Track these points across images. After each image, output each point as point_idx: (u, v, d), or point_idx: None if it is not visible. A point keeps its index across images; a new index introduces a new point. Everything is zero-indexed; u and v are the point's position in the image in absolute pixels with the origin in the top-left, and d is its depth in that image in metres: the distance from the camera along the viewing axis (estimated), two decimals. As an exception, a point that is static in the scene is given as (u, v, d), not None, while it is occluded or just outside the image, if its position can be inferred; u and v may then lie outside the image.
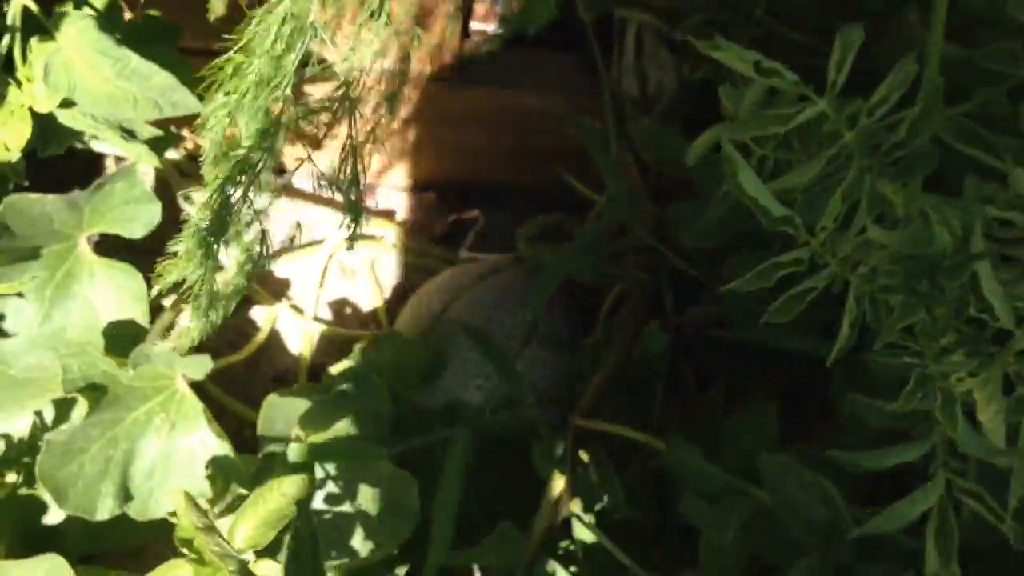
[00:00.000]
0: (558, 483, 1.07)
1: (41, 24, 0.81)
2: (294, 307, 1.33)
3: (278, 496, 0.92)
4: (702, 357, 1.19)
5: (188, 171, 1.29)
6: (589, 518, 1.06)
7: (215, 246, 0.77)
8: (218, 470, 1.05)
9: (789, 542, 0.89)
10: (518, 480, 1.11)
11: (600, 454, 1.09)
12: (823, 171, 0.69)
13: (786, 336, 1.01)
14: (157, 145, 0.91)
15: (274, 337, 1.33)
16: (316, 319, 1.32)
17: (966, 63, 0.82)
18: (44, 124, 0.84)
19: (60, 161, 1.09)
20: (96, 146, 1.21)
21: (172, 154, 1.27)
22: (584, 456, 1.11)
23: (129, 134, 0.88)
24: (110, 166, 1.30)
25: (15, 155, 0.84)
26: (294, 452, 0.99)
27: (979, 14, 0.87)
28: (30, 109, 0.82)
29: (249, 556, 0.93)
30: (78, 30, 0.80)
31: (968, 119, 0.78)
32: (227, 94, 0.68)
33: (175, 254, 0.77)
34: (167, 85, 0.81)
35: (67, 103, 0.83)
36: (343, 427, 1.10)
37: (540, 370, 1.18)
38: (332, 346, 1.32)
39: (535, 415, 1.12)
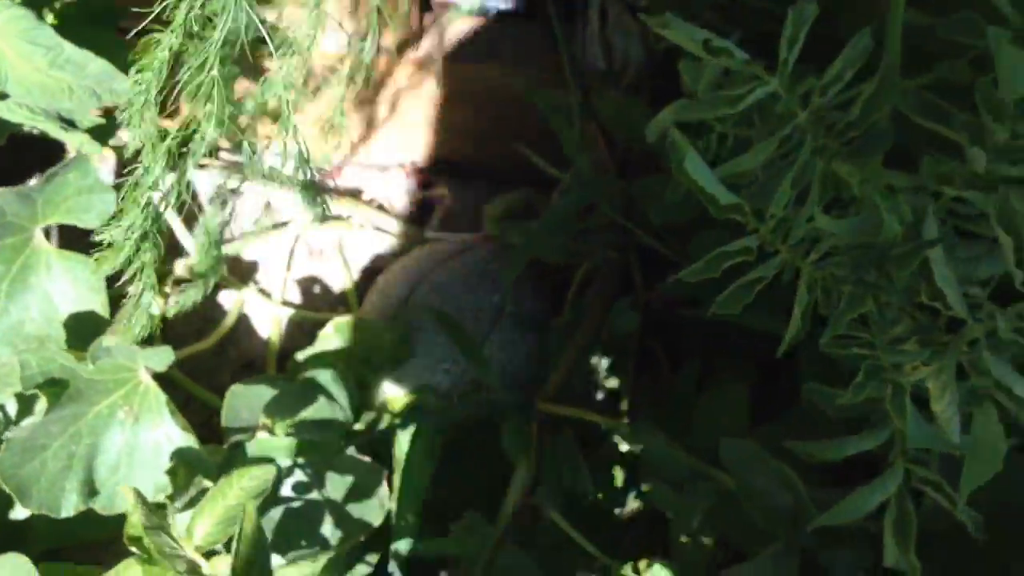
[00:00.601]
0: (525, 469, 1.06)
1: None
2: (262, 291, 1.31)
3: (237, 491, 0.91)
4: (673, 335, 1.17)
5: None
6: (556, 504, 1.05)
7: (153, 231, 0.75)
8: (182, 463, 1.04)
9: (754, 528, 0.87)
10: (488, 466, 1.10)
11: (568, 438, 1.07)
12: (776, 153, 0.66)
13: (755, 316, 0.99)
14: (100, 133, 0.89)
15: (242, 322, 1.32)
16: (284, 303, 1.30)
17: (928, 33, 0.79)
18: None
19: (16, 149, 1.06)
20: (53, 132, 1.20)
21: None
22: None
23: (70, 123, 0.86)
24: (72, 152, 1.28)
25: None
26: (254, 447, 0.98)
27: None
28: (-40, 101, 0.80)
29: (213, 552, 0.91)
30: (6, 19, 0.77)
31: (928, 92, 0.75)
32: (139, 71, 0.65)
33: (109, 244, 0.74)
34: (104, 72, 0.78)
35: (1, 95, 0.81)
36: (308, 415, 1.08)
37: (509, 352, 1.16)
38: (301, 330, 1.30)
39: (503, 399, 1.10)
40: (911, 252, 0.58)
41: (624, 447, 1.09)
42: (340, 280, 1.32)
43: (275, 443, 1.05)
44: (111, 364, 1.03)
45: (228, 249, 1.30)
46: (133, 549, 0.82)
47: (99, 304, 1.08)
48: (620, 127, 1.11)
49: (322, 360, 1.11)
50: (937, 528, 0.72)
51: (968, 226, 0.70)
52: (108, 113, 0.89)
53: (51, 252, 1.08)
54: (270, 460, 1.02)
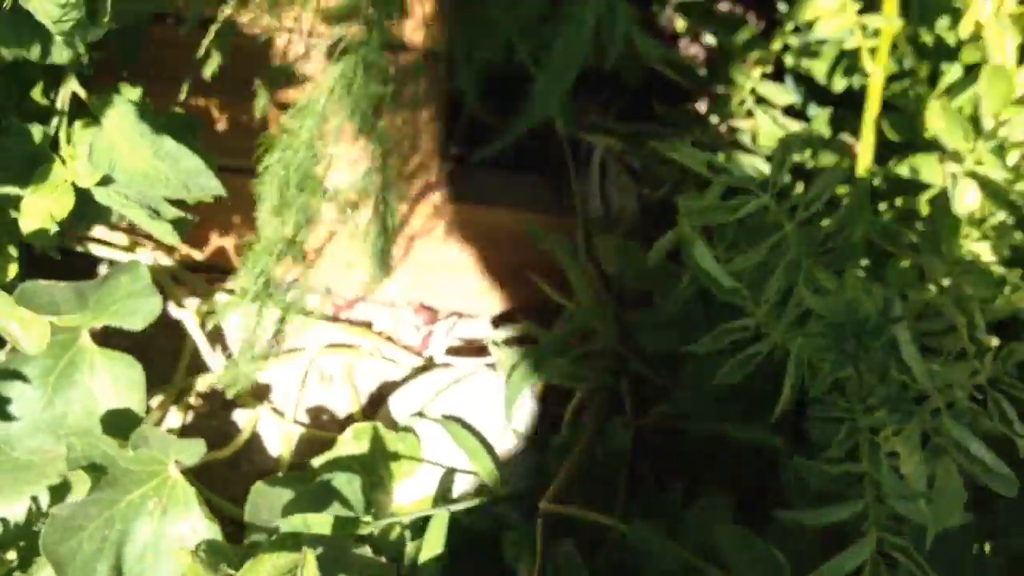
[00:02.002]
0: (527, 573, 1.14)
1: (85, 108, 0.91)
2: (275, 410, 1.40)
3: (269, 567, 0.98)
4: (661, 458, 1.27)
5: (180, 277, 1.39)
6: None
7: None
8: (207, 553, 1.11)
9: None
10: (494, 573, 1.18)
11: (568, 544, 1.16)
12: (768, 254, 0.80)
13: (738, 427, 1.11)
14: (178, 226, 1.00)
15: (255, 439, 1.40)
16: (296, 422, 1.40)
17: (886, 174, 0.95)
18: (78, 201, 0.93)
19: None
20: (95, 250, 1.31)
21: (166, 260, 1.37)
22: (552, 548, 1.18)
23: (155, 213, 0.98)
24: (101, 271, 1.40)
25: (55, 227, 0.93)
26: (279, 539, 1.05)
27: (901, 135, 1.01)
28: (72, 184, 0.92)
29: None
30: (120, 114, 0.90)
31: (891, 221, 0.90)
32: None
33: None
34: (196, 168, 0.91)
35: (104, 181, 0.93)
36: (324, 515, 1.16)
37: (511, 468, 1.26)
38: (311, 448, 1.39)
39: (507, 507, 1.19)
40: (883, 325, 0.71)
41: (619, 555, 1.17)
42: (349, 404, 1.42)
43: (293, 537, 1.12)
44: (147, 455, 1.12)
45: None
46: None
47: (136, 401, 1.18)
48: (617, 265, 1.25)
49: (338, 464, 1.20)
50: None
51: (929, 342, 0.83)
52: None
53: (95, 351, 1.18)
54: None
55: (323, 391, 1.44)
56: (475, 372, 1.32)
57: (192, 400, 1.38)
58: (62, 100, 0.89)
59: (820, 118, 1.18)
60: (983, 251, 0.83)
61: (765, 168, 1.18)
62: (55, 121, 0.90)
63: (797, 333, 0.75)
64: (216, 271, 1.47)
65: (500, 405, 1.28)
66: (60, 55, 0.82)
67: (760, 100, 1.18)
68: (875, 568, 0.81)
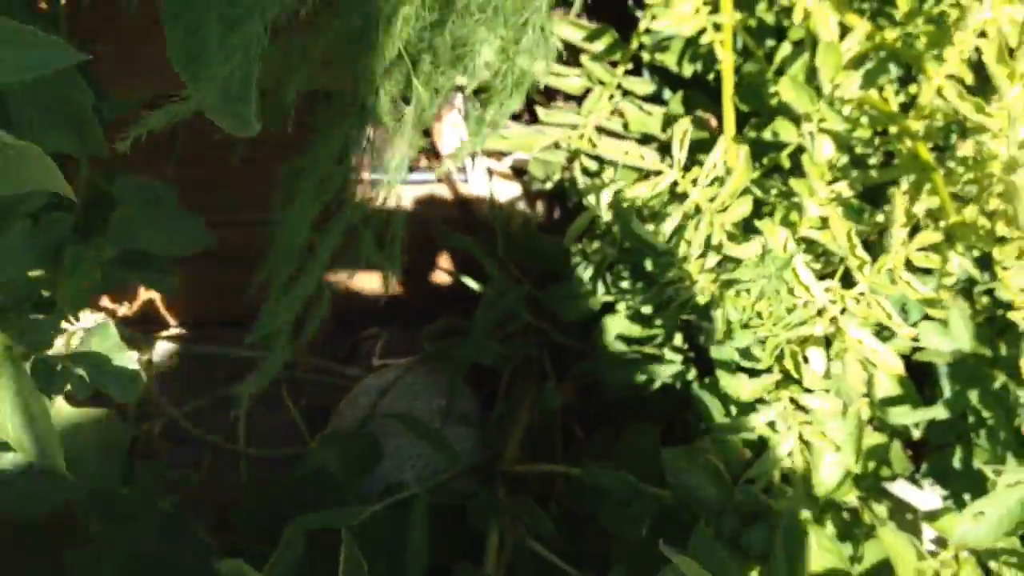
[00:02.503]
0: (495, 532, 1.30)
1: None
2: (226, 437, 1.52)
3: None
4: (586, 411, 1.46)
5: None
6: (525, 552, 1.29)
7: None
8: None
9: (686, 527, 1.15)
10: (455, 548, 1.33)
11: (527, 499, 1.33)
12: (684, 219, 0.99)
13: (651, 369, 1.30)
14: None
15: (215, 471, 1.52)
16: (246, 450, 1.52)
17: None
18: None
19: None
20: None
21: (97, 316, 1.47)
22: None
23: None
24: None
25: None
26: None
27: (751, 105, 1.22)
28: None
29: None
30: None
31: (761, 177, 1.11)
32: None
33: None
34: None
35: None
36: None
37: (459, 445, 1.42)
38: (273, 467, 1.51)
39: (467, 482, 1.35)
40: (787, 259, 0.91)
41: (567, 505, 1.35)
42: (294, 422, 1.55)
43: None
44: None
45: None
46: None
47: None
48: (530, 252, 1.42)
49: (311, 470, 1.33)
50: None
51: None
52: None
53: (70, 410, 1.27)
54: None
55: (271, 416, 1.56)
56: (410, 368, 1.47)
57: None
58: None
59: (675, 100, 1.39)
60: (843, 189, 1.05)
61: (634, 149, 1.38)
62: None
63: (719, 273, 0.95)
64: (150, 323, 1.57)
65: (439, 390, 1.44)
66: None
67: (626, 93, 1.37)
68: (793, 458, 1.01)
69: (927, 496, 1.23)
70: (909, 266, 0.95)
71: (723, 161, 1.03)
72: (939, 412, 1.20)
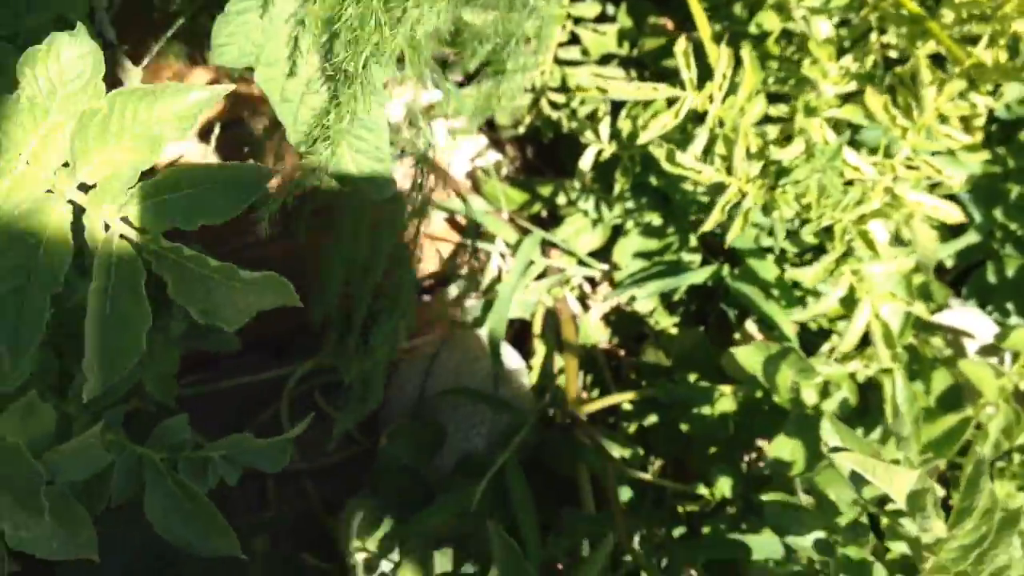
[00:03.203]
0: (584, 475, 1.33)
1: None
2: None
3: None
4: (624, 340, 1.50)
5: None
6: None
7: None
8: None
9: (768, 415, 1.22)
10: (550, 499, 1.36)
11: (605, 433, 1.36)
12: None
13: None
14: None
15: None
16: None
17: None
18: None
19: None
20: None
21: None
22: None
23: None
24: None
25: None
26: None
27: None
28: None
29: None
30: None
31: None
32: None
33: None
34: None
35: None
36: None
37: (515, 403, 1.44)
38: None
39: (536, 433, 1.38)
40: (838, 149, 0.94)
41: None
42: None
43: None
44: None
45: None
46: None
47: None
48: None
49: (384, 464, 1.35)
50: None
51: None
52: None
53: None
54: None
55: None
56: (444, 343, 1.48)
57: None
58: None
59: (622, 14, 1.40)
60: (849, 64, 1.08)
61: (599, 70, 1.39)
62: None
63: (766, 180, 0.98)
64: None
65: (476, 361, 1.45)
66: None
67: (577, 21, 1.38)
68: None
69: (970, 318, 1.30)
70: (942, 120, 0.99)
71: (727, 68, 1.05)
72: (971, 237, 1.26)
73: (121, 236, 0.60)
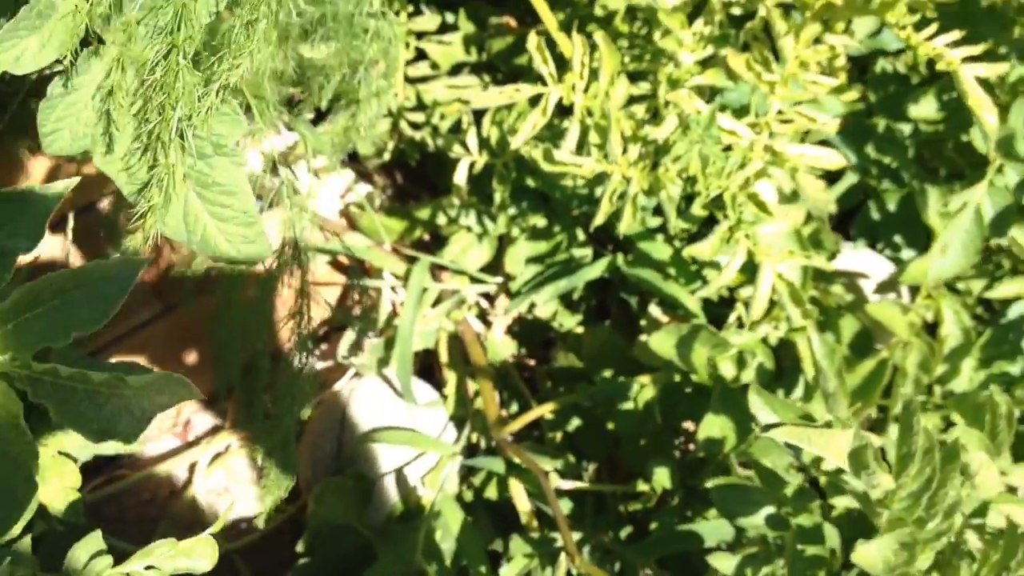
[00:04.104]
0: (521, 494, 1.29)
1: None
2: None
3: None
4: (531, 349, 1.47)
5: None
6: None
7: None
8: None
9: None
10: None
11: (533, 447, 1.33)
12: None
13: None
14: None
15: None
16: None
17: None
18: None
19: None
20: None
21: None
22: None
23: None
24: None
25: None
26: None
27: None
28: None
29: None
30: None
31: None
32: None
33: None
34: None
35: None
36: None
37: (436, 431, 1.40)
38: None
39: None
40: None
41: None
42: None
43: None
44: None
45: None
46: None
47: None
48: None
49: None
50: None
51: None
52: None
53: None
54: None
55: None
56: (357, 385, 1.43)
57: None
58: None
59: (462, 19, 1.37)
60: (701, 28, 1.06)
61: (452, 81, 1.36)
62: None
63: (646, 161, 0.96)
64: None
65: (389, 396, 1.41)
66: None
67: (420, 35, 1.34)
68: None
69: (862, 260, 1.31)
70: (803, 67, 0.98)
71: (584, 56, 1.02)
72: (849, 179, 1.27)
73: (-10, 370, 0.54)
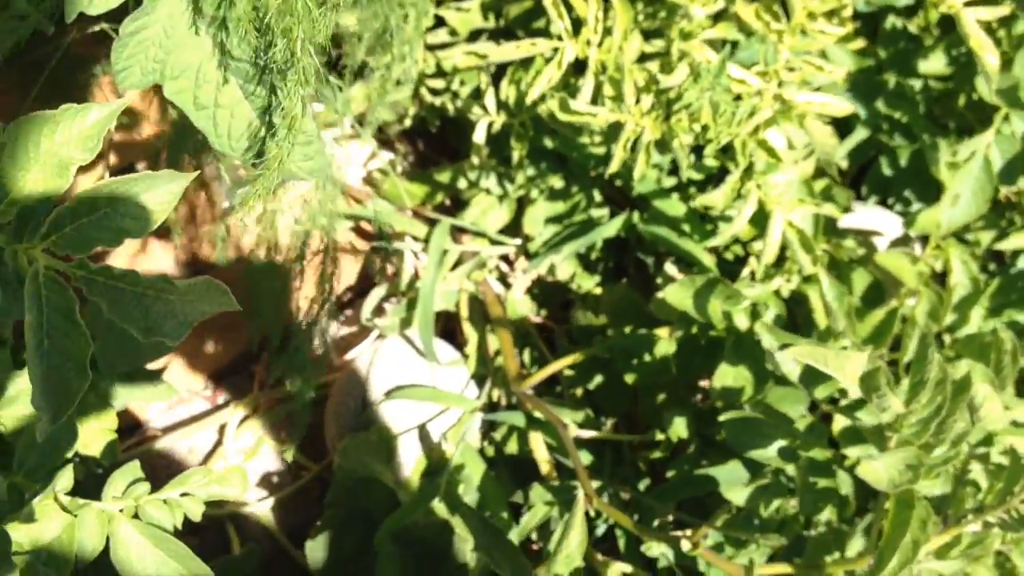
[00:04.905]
0: (540, 445, 1.33)
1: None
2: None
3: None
4: (550, 308, 1.50)
5: None
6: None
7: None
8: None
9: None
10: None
11: (552, 402, 1.37)
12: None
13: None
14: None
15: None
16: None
17: None
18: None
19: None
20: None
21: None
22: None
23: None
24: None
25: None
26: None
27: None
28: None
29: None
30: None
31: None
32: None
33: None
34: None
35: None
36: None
37: (458, 387, 1.43)
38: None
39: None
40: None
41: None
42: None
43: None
44: None
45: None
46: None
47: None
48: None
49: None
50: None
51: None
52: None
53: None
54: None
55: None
56: (377, 347, 1.47)
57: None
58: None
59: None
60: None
61: (471, 47, 1.39)
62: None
63: (659, 110, 0.99)
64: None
65: (411, 355, 1.45)
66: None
67: (439, 3, 1.38)
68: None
69: (875, 217, 1.33)
70: (811, 18, 1.01)
71: (598, 10, 1.06)
72: (860, 134, 1.29)
73: (47, 268, 0.59)
